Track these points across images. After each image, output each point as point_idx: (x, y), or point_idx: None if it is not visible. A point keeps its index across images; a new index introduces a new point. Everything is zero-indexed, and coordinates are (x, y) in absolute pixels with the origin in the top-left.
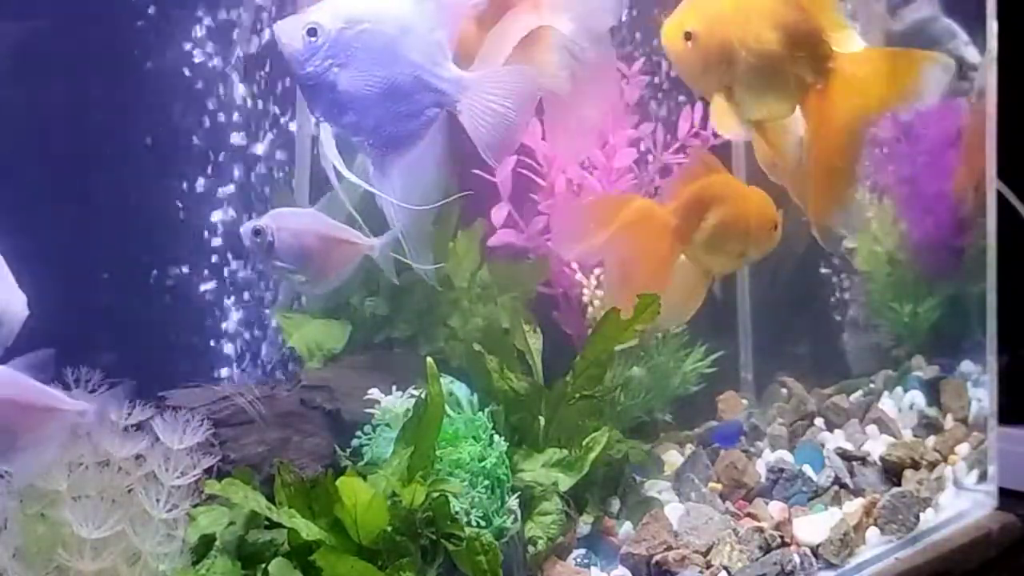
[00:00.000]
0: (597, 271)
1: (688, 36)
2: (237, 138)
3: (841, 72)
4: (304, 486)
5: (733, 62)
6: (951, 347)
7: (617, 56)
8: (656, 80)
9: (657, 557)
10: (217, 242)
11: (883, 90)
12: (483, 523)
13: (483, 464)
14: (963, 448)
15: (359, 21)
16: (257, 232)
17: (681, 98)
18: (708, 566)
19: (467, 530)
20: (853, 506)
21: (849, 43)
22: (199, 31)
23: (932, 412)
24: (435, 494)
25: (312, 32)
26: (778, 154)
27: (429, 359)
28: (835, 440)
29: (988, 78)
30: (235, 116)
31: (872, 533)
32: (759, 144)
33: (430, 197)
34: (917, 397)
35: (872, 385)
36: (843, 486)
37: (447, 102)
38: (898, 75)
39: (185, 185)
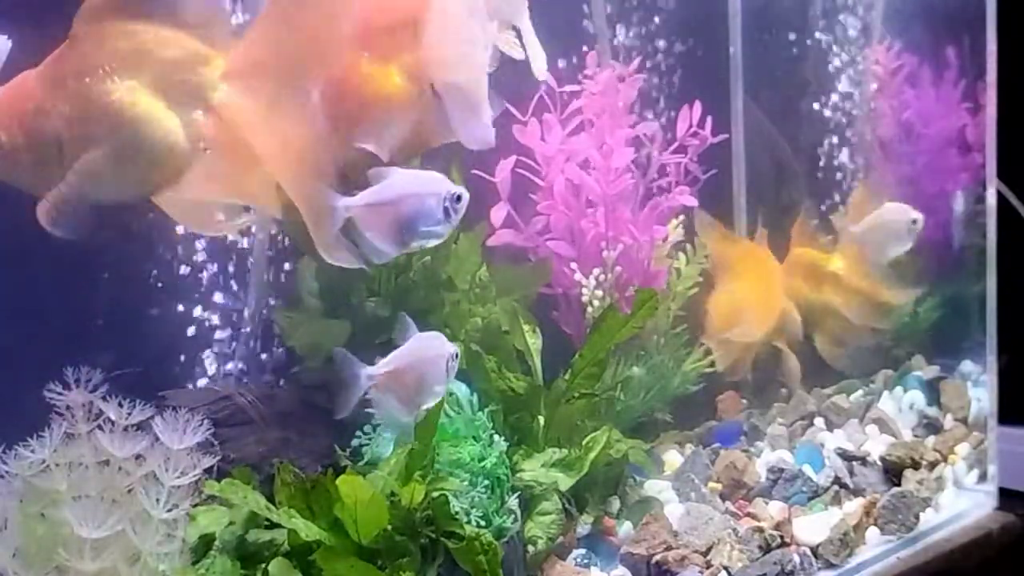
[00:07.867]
0: (596, 271)
1: None
2: None
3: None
4: (304, 486)
5: (61, 150)
6: (951, 347)
7: (613, 56)
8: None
9: (657, 557)
10: None
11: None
12: (483, 523)
13: (483, 464)
14: (963, 448)
15: None
16: None
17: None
18: (708, 566)
19: (467, 529)
20: (853, 506)
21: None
22: None
23: (932, 412)
24: (435, 493)
25: None
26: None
27: None
28: (835, 440)
29: (988, 79)
30: None
31: (872, 533)
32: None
33: None
34: (917, 397)
35: (872, 385)
36: (843, 486)
37: None
38: None
39: None
